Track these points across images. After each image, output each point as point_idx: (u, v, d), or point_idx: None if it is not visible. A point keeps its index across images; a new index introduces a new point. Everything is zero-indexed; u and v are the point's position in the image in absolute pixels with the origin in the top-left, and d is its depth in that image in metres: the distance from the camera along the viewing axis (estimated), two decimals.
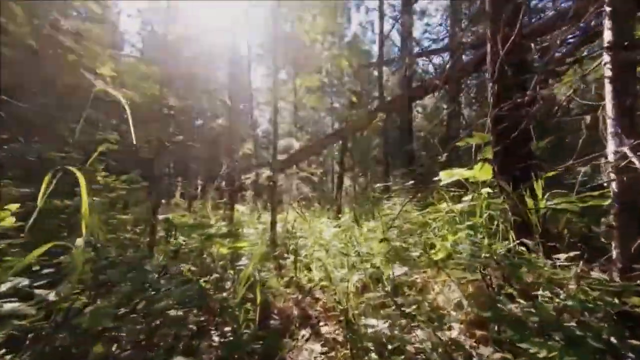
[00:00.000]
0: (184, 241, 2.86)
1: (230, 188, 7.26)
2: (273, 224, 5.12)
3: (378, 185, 4.80)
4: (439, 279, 1.87)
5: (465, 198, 2.85)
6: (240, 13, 6.84)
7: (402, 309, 1.94)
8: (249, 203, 8.39)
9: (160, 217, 2.98)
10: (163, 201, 7.01)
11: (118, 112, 6.15)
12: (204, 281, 2.44)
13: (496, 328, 1.25)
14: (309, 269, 3.59)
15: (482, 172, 2.81)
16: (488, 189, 2.94)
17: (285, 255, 4.48)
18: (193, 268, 2.79)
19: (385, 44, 10.87)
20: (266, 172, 6.85)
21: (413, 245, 2.63)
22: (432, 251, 2.02)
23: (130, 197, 4.06)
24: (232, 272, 2.45)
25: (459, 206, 2.29)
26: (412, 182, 3.64)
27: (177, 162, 11.82)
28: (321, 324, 2.29)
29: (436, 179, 2.99)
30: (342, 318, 1.93)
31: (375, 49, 10.65)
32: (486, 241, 1.55)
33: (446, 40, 8.34)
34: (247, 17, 6.75)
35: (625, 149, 1.32)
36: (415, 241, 2.61)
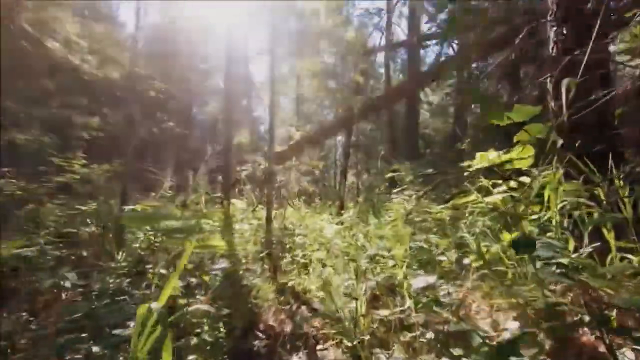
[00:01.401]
0: (153, 238, 2.34)
1: (224, 181, 6.73)
2: (268, 219, 4.60)
3: (388, 174, 4.27)
4: (485, 297, 1.33)
5: (498, 189, 2.32)
6: None
7: (431, 334, 1.42)
8: (246, 197, 7.87)
9: (127, 207, 2.47)
10: (153, 194, 6.51)
11: (91, 88, 5.64)
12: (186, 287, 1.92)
13: None
14: (307, 272, 3.08)
15: (524, 156, 2.28)
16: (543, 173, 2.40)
17: (281, 255, 3.97)
18: (163, 271, 2.27)
19: (391, 33, 10.27)
20: (263, 164, 6.33)
21: (435, 246, 2.09)
22: (471, 257, 1.48)
23: (99, 185, 3.58)
24: (206, 278, 1.93)
25: (500, 195, 1.74)
26: (432, 170, 3.12)
27: (177, 152, 11.30)
28: (319, 347, 1.76)
29: (465, 163, 2.46)
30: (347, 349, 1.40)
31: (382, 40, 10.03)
32: (572, 245, 1.02)
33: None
34: None
35: None
36: (437, 241, 2.07)
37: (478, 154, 2.43)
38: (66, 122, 4.89)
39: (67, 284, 1.56)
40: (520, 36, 2.28)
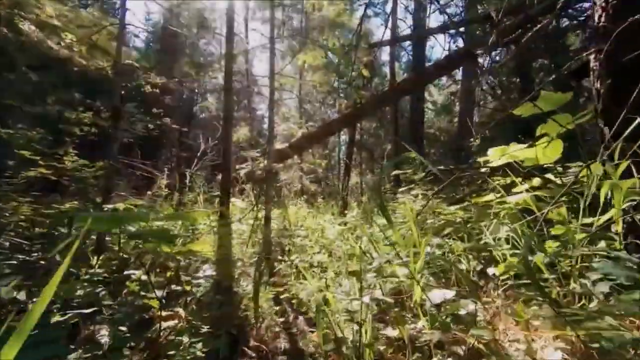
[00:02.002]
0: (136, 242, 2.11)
1: (223, 179, 6.51)
2: (267, 219, 4.37)
3: (394, 172, 4.02)
4: (519, 319, 1.08)
5: (518, 188, 2.07)
6: None
7: None
8: (247, 197, 7.65)
9: (107, 207, 2.24)
10: (149, 193, 6.32)
11: (82, 81, 5.43)
12: (149, 299, 1.68)
13: None
14: (308, 276, 2.83)
15: (551, 149, 2.01)
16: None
17: (280, 257, 3.74)
18: (144, 277, 2.04)
19: (397, 28, 9.98)
20: (263, 161, 6.10)
21: (450, 252, 1.84)
22: (499, 268, 1.23)
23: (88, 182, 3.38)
24: (187, 287, 1.69)
25: (526, 194, 1.49)
26: (442, 167, 2.86)
27: (175, 149, 11.06)
28: None
29: (482, 159, 2.20)
30: None
31: (387, 33, 9.74)
32: None
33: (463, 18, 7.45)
34: None
35: None
36: (454, 246, 1.82)
37: (494, 149, 2.18)
38: (57, 117, 4.69)
39: (22, 297, 1.34)
40: (560, 4, 1.99)
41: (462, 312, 1.24)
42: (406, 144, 10.65)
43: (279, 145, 6.59)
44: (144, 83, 5.11)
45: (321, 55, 5.41)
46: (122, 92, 6.12)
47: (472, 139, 3.58)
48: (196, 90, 10.01)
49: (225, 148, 4.16)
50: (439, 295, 1.30)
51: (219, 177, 6.88)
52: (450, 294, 1.31)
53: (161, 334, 1.65)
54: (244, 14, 8.99)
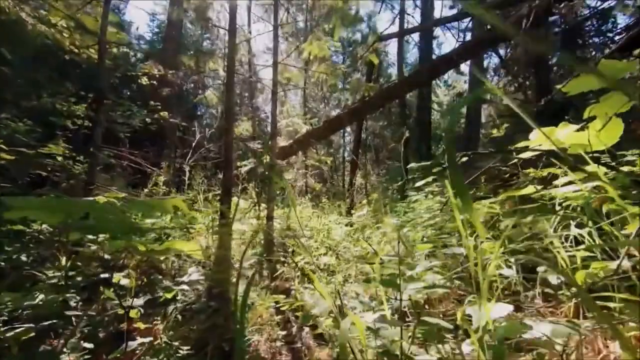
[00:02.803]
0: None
1: (225, 176, 6.21)
2: (269, 218, 4.08)
3: (411, 165, 3.71)
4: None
5: (560, 180, 1.77)
6: None
7: None
8: (250, 196, 7.33)
9: (86, 199, 1.94)
10: (146, 190, 6.04)
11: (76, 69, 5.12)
12: (124, 307, 1.38)
13: None
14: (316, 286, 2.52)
15: (607, 132, 1.69)
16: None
17: (282, 259, 3.44)
18: (125, 281, 1.74)
19: (405, 21, 9.67)
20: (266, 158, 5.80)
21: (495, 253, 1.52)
22: (579, 276, 0.92)
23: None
24: (168, 294, 1.39)
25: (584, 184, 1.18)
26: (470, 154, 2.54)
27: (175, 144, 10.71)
28: None
29: (518, 146, 1.88)
30: None
31: (394, 28, 9.44)
32: None
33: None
34: None
35: None
36: (488, 247, 1.49)
37: (537, 132, 1.86)
38: (51, 109, 4.44)
39: None
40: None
41: (528, 335, 0.93)
42: (414, 143, 10.33)
43: (283, 142, 6.29)
44: (140, 74, 4.85)
45: (327, 45, 5.11)
46: (116, 82, 5.86)
47: (494, 130, 3.27)
48: (200, 90, 9.78)
49: (227, 143, 3.89)
50: (496, 310, 0.98)
51: (220, 174, 6.59)
52: (510, 308, 1.00)
53: (137, 351, 1.35)
54: (246, 2, 8.70)
